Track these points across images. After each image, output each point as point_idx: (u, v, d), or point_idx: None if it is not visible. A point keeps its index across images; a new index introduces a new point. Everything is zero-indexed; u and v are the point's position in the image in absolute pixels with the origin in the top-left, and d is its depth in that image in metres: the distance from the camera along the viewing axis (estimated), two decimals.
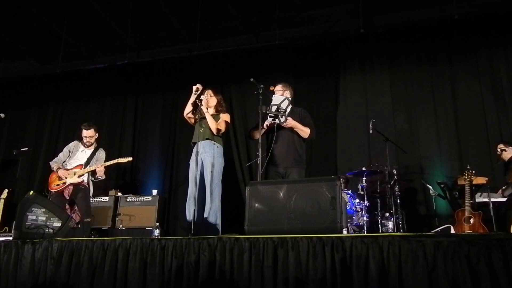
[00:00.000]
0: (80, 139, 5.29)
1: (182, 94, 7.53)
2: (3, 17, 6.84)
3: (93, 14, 6.70)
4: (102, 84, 7.85)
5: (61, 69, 7.24)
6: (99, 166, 5.00)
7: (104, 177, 5.22)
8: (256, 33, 6.96)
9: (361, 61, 6.78)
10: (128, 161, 5.25)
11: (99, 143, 5.42)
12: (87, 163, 5.12)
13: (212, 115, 4.55)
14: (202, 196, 4.31)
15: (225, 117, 4.62)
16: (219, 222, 4.28)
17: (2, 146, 8.19)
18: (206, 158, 4.32)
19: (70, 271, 3.24)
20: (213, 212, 4.25)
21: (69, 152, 5.23)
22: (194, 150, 4.37)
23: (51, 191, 5.07)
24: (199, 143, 4.29)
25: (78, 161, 5.14)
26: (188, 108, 4.63)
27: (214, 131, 4.45)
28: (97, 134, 5.29)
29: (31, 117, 8.30)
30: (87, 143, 5.20)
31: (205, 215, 4.22)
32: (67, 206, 5.22)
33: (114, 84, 7.87)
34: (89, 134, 5.19)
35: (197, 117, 4.42)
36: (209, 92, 4.66)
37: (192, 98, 4.57)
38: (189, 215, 4.23)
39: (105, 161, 5.18)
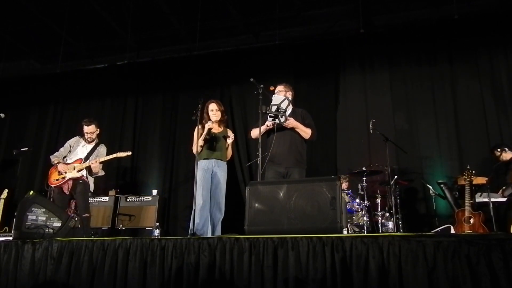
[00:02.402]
0: (81, 135, 5.29)
1: (182, 94, 7.56)
2: (3, 17, 6.84)
3: (93, 14, 6.70)
4: (102, 84, 7.86)
5: (61, 69, 7.23)
6: (93, 162, 4.99)
7: (102, 173, 5.24)
8: (256, 33, 6.96)
9: (361, 61, 6.79)
10: (127, 155, 5.25)
11: (100, 139, 5.41)
12: (87, 158, 5.11)
13: (217, 132, 4.70)
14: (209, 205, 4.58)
15: (231, 135, 4.74)
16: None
17: (2, 146, 8.19)
18: (221, 174, 4.61)
19: (70, 271, 3.23)
20: (220, 220, 4.58)
21: (70, 147, 5.23)
22: (205, 163, 4.56)
23: (51, 186, 5.07)
24: (213, 160, 4.59)
25: (78, 155, 5.14)
26: (200, 143, 4.60)
27: (228, 156, 4.82)
28: (98, 129, 5.30)
29: (31, 117, 8.31)
30: (88, 139, 5.21)
31: (217, 223, 4.53)
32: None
33: (114, 84, 7.87)
34: (90, 130, 5.19)
35: (206, 135, 4.59)
36: (214, 107, 4.72)
37: (203, 135, 4.57)
38: (202, 218, 4.41)
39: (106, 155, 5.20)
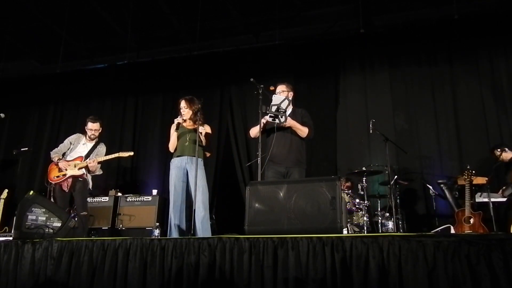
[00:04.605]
0: (83, 132, 5.28)
1: (182, 94, 7.53)
2: (3, 17, 6.84)
3: (93, 14, 6.70)
4: (102, 84, 7.85)
5: (61, 69, 7.22)
6: (91, 162, 4.99)
7: (100, 172, 5.24)
8: (256, 33, 6.96)
9: (361, 61, 6.79)
10: (130, 155, 5.25)
11: (100, 138, 5.40)
12: (87, 156, 5.11)
13: (192, 128, 4.56)
14: (187, 204, 4.52)
15: (206, 129, 4.60)
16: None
17: (2, 146, 8.19)
18: (193, 170, 4.37)
19: (70, 271, 3.23)
20: (207, 217, 4.41)
21: (70, 143, 5.22)
22: (178, 160, 4.52)
23: (51, 183, 5.06)
24: (185, 157, 4.49)
25: (78, 153, 5.13)
26: (174, 140, 4.61)
27: (207, 154, 4.66)
28: (101, 128, 5.30)
29: (31, 117, 8.31)
30: (91, 136, 5.20)
31: (201, 221, 4.31)
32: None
33: (114, 84, 7.87)
34: (94, 127, 5.19)
35: (179, 131, 4.55)
36: (183, 104, 4.58)
37: (174, 131, 4.58)
38: (178, 219, 4.44)
39: (106, 155, 5.19)
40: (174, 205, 4.46)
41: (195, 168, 4.33)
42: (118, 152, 5.22)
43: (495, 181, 5.31)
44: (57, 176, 5.01)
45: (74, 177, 5.02)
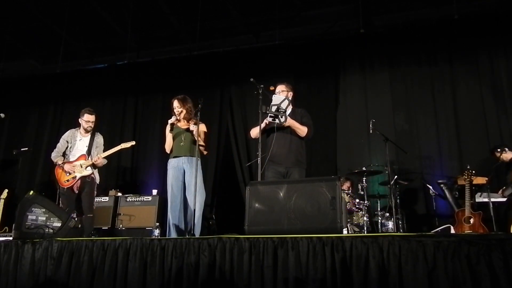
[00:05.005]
0: (77, 126, 5.26)
1: (182, 94, 7.55)
2: (3, 17, 6.84)
3: (93, 14, 6.70)
4: (102, 84, 7.85)
5: (61, 69, 7.23)
6: (96, 159, 4.99)
7: (105, 161, 5.23)
8: (256, 33, 6.96)
9: (361, 61, 6.79)
10: (132, 145, 5.24)
11: (95, 130, 5.37)
12: (89, 151, 5.10)
13: (186, 128, 4.57)
14: (184, 202, 4.57)
15: (201, 128, 4.56)
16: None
17: (2, 146, 8.19)
18: (191, 171, 4.41)
19: (70, 271, 3.23)
20: (200, 217, 4.44)
21: (67, 142, 5.20)
22: (175, 161, 4.55)
23: (63, 188, 5.02)
24: (182, 158, 4.51)
25: (79, 151, 5.11)
26: (169, 141, 4.61)
27: (204, 152, 4.69)
28: (95, 120, 5.28)
29: (31, 117, 8.30)
30: (88, 128, 5.17)
31: (195, 220, 4.31)
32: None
33: (114, 84, 7.87)
34: (92, 119, 5.18)
35: (173, 132, 4.56)
36: (176, 104, 4.59)
37: (168, 132, 4.59)
38: (177, 219, 4.49)
39: (104, 145, 5.22)
40: (172, 205, 4.49)
41: (193, 168, 4.34)
42: (120, 144, 5.22)
43: (495, 181, 5.31)
44: (68, 180, 4.99)
45: (82, 177, 5.02)
